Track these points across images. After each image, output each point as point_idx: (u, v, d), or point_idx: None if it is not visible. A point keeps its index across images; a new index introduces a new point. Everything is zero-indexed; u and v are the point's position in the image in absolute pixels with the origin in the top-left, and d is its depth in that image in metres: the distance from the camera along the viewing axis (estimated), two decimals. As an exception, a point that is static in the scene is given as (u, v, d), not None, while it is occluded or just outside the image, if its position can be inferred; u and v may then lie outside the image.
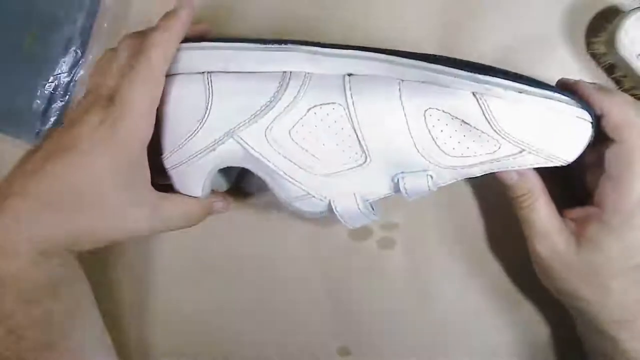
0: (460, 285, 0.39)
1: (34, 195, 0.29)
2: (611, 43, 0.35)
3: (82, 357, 0.31)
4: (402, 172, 0.31)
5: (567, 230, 0.32)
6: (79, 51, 0.40)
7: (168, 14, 0.31)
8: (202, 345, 0.40)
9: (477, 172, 0.31)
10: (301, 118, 0.30)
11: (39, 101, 0.39)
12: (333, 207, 0.32)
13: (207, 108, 0.31)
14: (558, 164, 0.30)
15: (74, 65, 0.40)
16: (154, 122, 0.30)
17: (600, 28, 0.37)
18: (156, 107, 0.30)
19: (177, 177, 0.33)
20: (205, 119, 0.31)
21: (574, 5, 0.37)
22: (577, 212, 0.33)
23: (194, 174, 0.33)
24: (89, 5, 0.39)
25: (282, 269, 0.39)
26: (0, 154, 0.39)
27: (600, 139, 0.30)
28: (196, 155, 0.32)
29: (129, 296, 0.40)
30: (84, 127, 0.29)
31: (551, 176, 0.33)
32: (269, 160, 0.31)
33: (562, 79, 0.33)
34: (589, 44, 0.37)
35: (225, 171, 0.35)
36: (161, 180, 0.33)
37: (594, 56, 0.37)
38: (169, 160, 0.32)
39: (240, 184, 0.39)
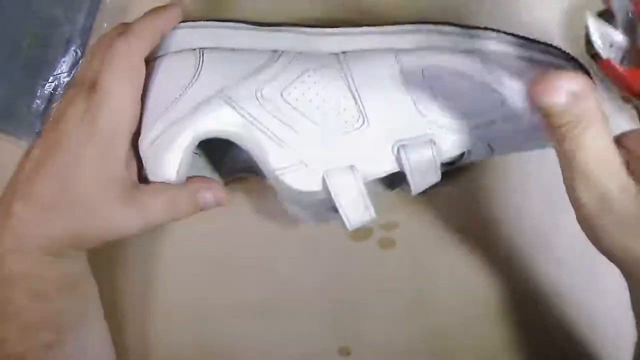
0: (461, 285, 0.39)
1: (33, 198, 0.29)
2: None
3: (85, 358, 0.32)
4: (403, 142, 0.29)
5: (624, 170, 0.25)
6: (78, 51, 0.40)
7: (156, 7, 0.31)
8: (203, 346, 0.40)
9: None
10: (294, 80, 0.29)
11: (38, 101, 0.39)
12: (327, 184, 0.29)
13: (195, 74, 0.30)
14: None
15: (74, 65, 0.40)
16: (138, 112, 0.30)
17: (600, 28, 0.37)
18: (139, 96, 0.30)
19: (152, 158, 0.30)
20: (192, 82, 0.29)
21: (574, 5, 0.37)
22: (633, 137, 0.26)
23: (169, 150, 0.30)
24: (88, 5, 0.39)
25: (282, 269, 0.39)
26: (0, 154, 0.40)
27: None
28: (175, 123, 0.29)
29: (130, 297, 0.40)
30: (69, 123, 0.29)
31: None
32: (259, 122, 0.29)
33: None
34: (589, 45, 0.37)
35: (212, 162, 0.34)
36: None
37: (594, 56, 0.37)
38: (147, 137, 0.30)
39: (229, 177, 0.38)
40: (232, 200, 0.39)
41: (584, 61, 0.37)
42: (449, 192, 0.38)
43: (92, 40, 0.40)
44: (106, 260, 0.37)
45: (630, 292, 0.28)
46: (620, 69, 0.26)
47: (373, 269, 0.39)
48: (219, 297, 0.40)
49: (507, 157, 0.37)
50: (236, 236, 0.40)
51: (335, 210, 0.30)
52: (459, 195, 0.38)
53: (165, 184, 0.31)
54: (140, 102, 0.30)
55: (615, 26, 0.28)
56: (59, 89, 0.40)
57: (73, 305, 0.31)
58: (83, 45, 0.40)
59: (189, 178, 0.32)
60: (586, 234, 0.27)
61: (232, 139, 0.30)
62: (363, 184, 0.30)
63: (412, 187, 0.31)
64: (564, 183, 0.26)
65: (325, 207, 0.32)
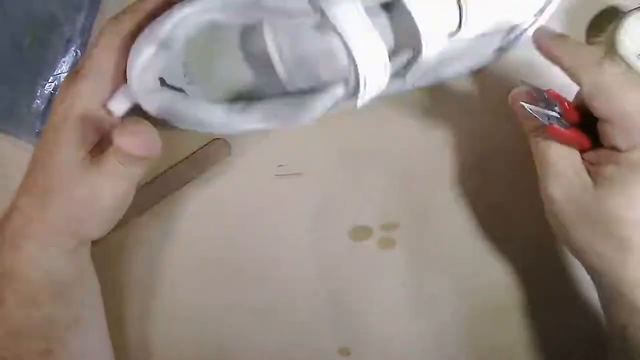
0: (461, 285, 0.39)
1: (28, 189, 0.30)
2: (611, 43, 0.35)
3: None
4: None
5: (585, 172, 0.29)
6: (78, 51, 0.40)
7: None
8: (203, 346, 0.40)
9: None
10: None
11: (38, 101, 0.39)
12: (327, 14, 0.27)
13: None
14: None
15: (74, 65, 0.40)
16: (115, 83, 0.30)
17: (600, 28, 0.37)
18: (117, 74, 0.30)
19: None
20: None
21: (574, 5, 0.37)
22: (592, 155, 0.30)
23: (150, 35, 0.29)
24: (88, 6, 0.39)
25: (282, 269, 0.39)
26: (0, 154, 0.40)
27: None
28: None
29: (130, 297, 0.40)
30: (56, 104, 0.30)
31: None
32: None
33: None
34: (589, 44, 0.37)
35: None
36: None
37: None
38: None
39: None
40: (232, 199, 0.40)
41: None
42: (449, 193, 0.39)
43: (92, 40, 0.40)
44: (106, 261, 0.37)
45: (597, 289, 0.31)
46: (566, 131, 0.29)
47: (373, 269, 0.39)
48: (219, 297, 0.40)
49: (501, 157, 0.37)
50: (236, 236, 0.40)
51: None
52: (459, 195, 0.38)
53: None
54: (121, 76, 0.30)
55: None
56: (58, 89, 0.40)
57: (64, 312, 0.31)
58: (83, 45, 0.40)
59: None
60: (555, 230, 0.30)
61: None
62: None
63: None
64: (539, 181, 0.29)
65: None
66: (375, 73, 0.29)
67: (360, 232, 0.39)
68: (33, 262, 0.30)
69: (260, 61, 0.33)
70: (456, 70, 0.35)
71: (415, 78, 0.32)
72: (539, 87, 0.30)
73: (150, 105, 0.30)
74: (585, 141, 0.30)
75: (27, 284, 0.30)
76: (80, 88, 0.30)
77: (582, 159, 0.30)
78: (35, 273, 0.30)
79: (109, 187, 0.30)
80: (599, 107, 0.28)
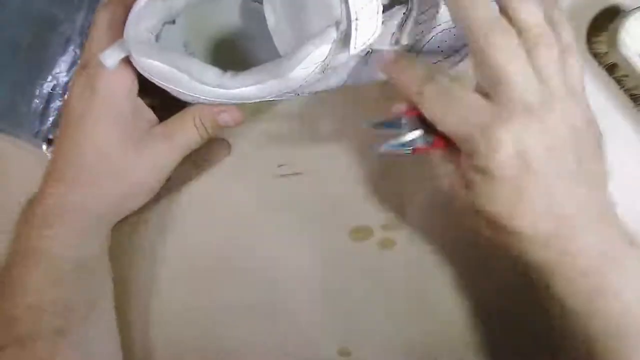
0: (461, 285, 0.39)
1: (57, 174, 0.32)
2: (613, 42, 0.35)
3: (89, 348, 0.32)
4: None
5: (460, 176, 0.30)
6: (77, 50, 0.40)
7: None
8: (203, 346, 0.40)
9: None
10: None
11: (37, 100, 0.39)
12: None
13: None
14: None
15: (73, 64, 0.40)
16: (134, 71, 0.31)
17: (601, 28, 0.37)
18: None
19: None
20: None
21: (575, 5, 0.37)
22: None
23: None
24: (88, 5, 0.39)
25: (282, 269, 0.39)
26: (0, 154, 0.40)
27: None
28: None
29: (130, 297, 0.40)
30: (72, 100, 0.32)
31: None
32: None
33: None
34: (590, 44, 0.37)
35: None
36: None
37: (596, 56, 0.37)
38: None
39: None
40: (233, 199, 0.40)
41: (586, 60, 0.37)
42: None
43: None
44: (109, 260, 0.37)
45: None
46: (429, 146, 0.30)
47: (373, 269, 0.39)
48: (218, 297, 0.40)
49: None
50: (236, 237, 0.39)
51: None
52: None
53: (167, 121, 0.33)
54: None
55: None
56: (57, 88, 0.40)
57: (84, 293, 0.32)
58: (82, 45, 0.40)
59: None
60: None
61: None
62: None
63: None
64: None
65: None
66: (367, 14, 0.28)
67: (360, 232, 0.39)
68: (61, 240, 0.31)
69: (257, 30, 0.33)
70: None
71: (412, 39, 0.31)
72: (393, 117, 0.30)
73: (143, 58, 0.29)
74: (452, 142, 0.29)
75: (53, 261, 0.31)
76: (105, 73, 0.31)
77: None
78: (62, 251, 0.31)
79: (168, 156, 0.33)
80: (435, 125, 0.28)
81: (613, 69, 0.37)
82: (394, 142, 0.30)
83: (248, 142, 0.39)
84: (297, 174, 0.39)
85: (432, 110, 0.28)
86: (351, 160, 0.39)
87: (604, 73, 0.37)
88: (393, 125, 0.30)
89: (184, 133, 0.33)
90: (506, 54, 0.26)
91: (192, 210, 0.40)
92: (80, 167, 0.31)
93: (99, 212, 0.32)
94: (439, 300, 0.39)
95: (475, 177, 0.27)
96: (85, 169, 0.31)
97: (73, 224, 0.31)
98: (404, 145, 0.29)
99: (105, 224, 0.34)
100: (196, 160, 0.39)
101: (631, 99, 0.37)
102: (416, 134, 0.29)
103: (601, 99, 0.37)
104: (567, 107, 0.27)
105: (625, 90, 0.37)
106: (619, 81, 0.37)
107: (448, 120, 0.28)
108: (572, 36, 0.28)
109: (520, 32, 0.26)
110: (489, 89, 0.27)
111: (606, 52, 0.36)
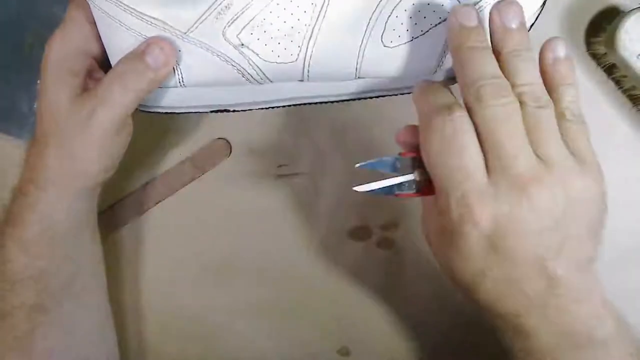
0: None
1: (33, 141, 0.31)
2: (611, 43, 0.35)
3: (72, 327, 0.32)
4: None
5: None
6: (78, 51, 0.40)
7: None
8: (202, 346, 0.40)
9: None
10: None
11: (38, 101, 0.39)
12: None
13: None
14: None
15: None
16: (90, 32, 0.31)
17: (600, 28, 0.37)
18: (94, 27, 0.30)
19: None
20: None
21: (574, 5, 0.37)
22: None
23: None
24: (88, 5, 0.39)
25: (282, 269, 0.39)
26: (0, 154, 0.40)
27: None
28: None
29: (129, 297, 0.40)
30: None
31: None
32: None
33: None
34: (589, 44, 0.37)
35: None
36: None
37: (594, 56, 0.37)
38: None
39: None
40: (233, 200, 0.40)
41: (585, 60, 0.37)
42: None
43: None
44: (106, 260, 0.37)
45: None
46: (414, 193, 0.28)
47: (372, 269, 0.39)
48: (217, 297, 0.40)
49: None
50: (236, 237, 0.40)
51: None
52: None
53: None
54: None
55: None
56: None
57: (60, 267, 0.32)
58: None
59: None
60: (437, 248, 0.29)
61: None
62: None
63: None
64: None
65: None
66: None
67: (360, 232, 0.39)
68: (34, 207, 0.31)
69: None
70: None
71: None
72: (386, 157, 0.28)
73: None
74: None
75: (25, 230, 0.31)
76: (55, 37, 0.31)
77: None
78: (34, 217, 0.31)
79: (105, 112, 0.30)
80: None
81: (612, 70, 0.37)
82: (379, 185, 0.28)
83: (248, 143, 0.39)
84: (297, 174, 0.39)
85: (430, 144, 0.26)
86: (351, 160, 0.39)
87: (602, 74, 0.37)
88: (382, 165, 0.28)
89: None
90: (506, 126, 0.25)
91: (192, 211, 0.40)
92: (45, 127, 0.31)
93: (70, 172, 0.31)
94: (439, 300, 0.39)
95: (444, 238, 0.27)
96: (49, 129, 0.31)
97: (43, 188, 0.31)
98: (390, 188, 0.28)
99: (84, 187, 0.32)
100: (196, 161, 0.39)
101: (630, 99, 0.37)
102: (408, 177, 0.28)
103: (600, 99, 0.38)
104: (566, 181, 0.25)
105: (623, 91, 0.37)
106: (617, 82, 0.37)
107: (440, 162, 0.25)
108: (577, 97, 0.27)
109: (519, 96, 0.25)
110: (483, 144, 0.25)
111: (605, 53, 0.36)
